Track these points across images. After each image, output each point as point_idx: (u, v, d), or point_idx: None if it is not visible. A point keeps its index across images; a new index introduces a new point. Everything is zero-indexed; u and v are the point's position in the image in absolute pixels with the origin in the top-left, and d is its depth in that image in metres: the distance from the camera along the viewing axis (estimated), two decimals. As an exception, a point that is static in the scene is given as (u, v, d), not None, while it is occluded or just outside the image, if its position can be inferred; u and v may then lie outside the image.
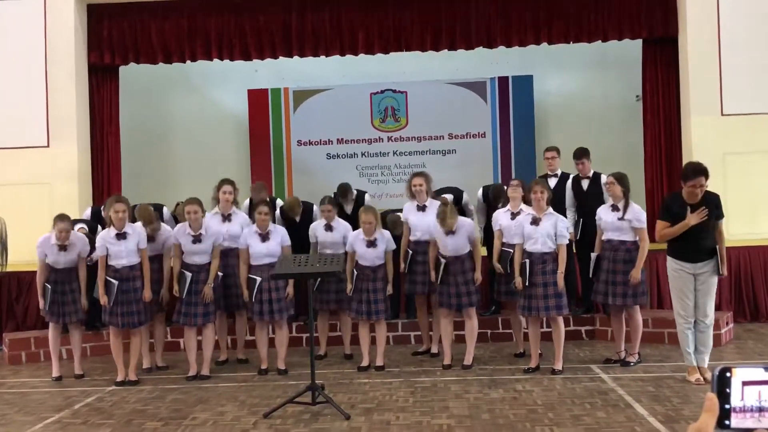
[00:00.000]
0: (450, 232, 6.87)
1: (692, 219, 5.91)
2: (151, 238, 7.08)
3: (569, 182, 8.10)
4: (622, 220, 6.70)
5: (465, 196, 8.24)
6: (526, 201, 7.12)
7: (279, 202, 8.65)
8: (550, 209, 6.67)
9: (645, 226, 6.70)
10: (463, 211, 8.15)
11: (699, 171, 5.90)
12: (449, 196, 8.02)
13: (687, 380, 6.12)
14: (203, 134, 12.07)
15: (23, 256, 8.66)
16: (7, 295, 8.88)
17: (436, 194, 8.08)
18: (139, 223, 7.03)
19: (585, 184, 8.03)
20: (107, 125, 10.06)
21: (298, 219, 8.20)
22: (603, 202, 7.45)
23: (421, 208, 7.39)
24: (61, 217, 7.03)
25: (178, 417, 5.65)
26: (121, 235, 6.71)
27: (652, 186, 9.85)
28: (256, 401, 6.02)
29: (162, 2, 9.78)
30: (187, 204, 7.04)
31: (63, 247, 7.04)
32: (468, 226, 6.99)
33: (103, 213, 8.26)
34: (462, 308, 6.95)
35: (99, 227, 7.89)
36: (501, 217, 7.25)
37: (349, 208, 8.41)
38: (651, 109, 9.87)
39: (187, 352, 7.06)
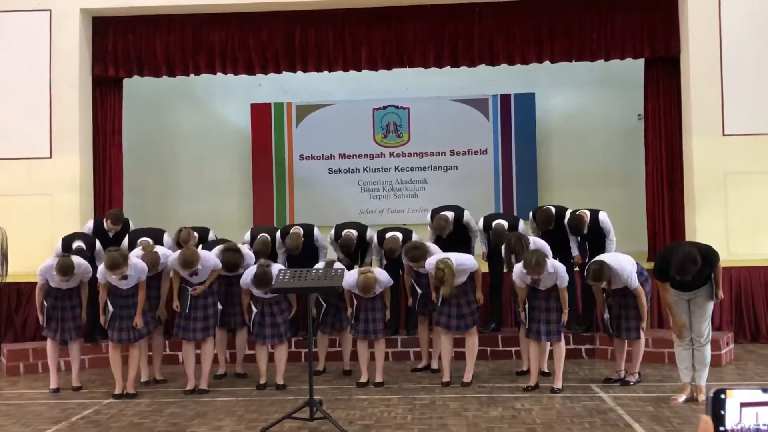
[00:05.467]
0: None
1: (675, 326, 6.17)
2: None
3: (567, 219, 7.95)
4: (626, 298, 6.68)
5: (466, 215, 8.17)
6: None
7: (278, 236, 8.25)
8: (549, 268, 6.46)
9: (638, 284, 6.60)
10: (465, 229, 8.15)
11: (684, 271, 5.79)
12: (450, 214, 8.00)
13: (673, 398, 6.13)
14: (206, 147, 12.11)
15: (24, 267, 8.66)
16: (7, 305, 8.86)
17: (436, 212, 8.08)
18: (139, 260, 6.82)
19: (585, 229, 7.95)
20: (110, 137, 10.09)
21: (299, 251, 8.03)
22: (605, 236, 7.69)
23: None
24: (63, 271, 6.79)
25: (176, 431, 5.62)
26: (123, 277, 6.67)
27: (653, 206, 9.85)
28: (254, 416, 5.99)
29: (166, 16, 9.83)
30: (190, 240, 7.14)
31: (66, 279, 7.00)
32: (467, 267, 6.86)
33: (104, 225, 8.27)
34: (463, 329, 6.93)
35: (98, 243, 7.85)
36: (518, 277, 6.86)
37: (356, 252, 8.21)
38: (653, 128, 9.89)
39: (185, 366, 7.04)
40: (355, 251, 8.03)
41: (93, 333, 7.94)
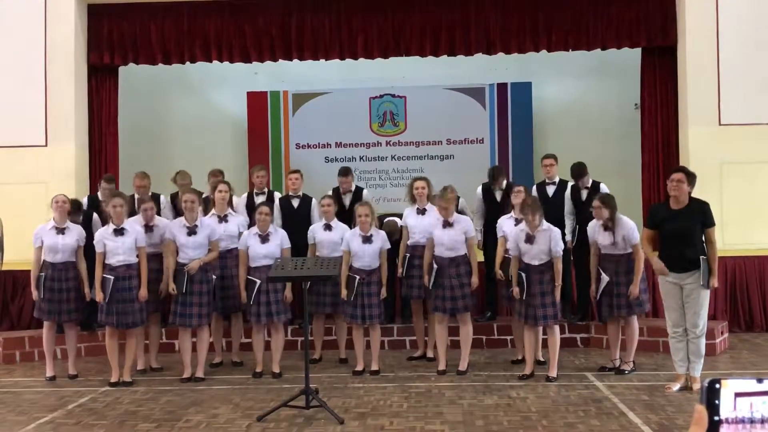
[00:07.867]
0: (447, 223, 6.86)
1: (656, 266, 6.14)
2: (149, 228, 7.09)
3: (568, 191, 8.07)
4: (614, 245, 6.67)
5: (461, 202, 8.19)
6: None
7: (277, 195, 8.65)
8: (543, 225, 6.59)
9: (638, 240, 6.62)
10: None
11: (678, 168, 6.07)
12: None
13: (667, 387, 6.16)
14: (202, 136, 12.05)
15: (19, 255, 8.64)
16: (2, 293, 8.86)
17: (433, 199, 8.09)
18: (137, 222, 7.01)
19: (584, 194, 8.02)
20: (106, 125, 10.06)
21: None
22: None
23: (421, 211, 7.39)
24: (64, 201, 7.11)
25: (172, 419, 5.64)
26: (119, 231, 6.69)
27: (648, 195, 9.86)
28: (250, 404, 6.01)
29: (162, 3, 9.79)
30: (185, 193, 7.08)
31: (61, 231, 7.02)
32: (465, 222, 7.04)
33: (100, 196, 8.31)
34: (455, 312, 6.93)
35: (95, 215, 7.92)
36: (505, 223, 7.22)
37: (346, 202, 8.37)
38: (649, 117, 9.89)
39: (181, 354, 7.05)
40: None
41: (90, 321, 7.94)
